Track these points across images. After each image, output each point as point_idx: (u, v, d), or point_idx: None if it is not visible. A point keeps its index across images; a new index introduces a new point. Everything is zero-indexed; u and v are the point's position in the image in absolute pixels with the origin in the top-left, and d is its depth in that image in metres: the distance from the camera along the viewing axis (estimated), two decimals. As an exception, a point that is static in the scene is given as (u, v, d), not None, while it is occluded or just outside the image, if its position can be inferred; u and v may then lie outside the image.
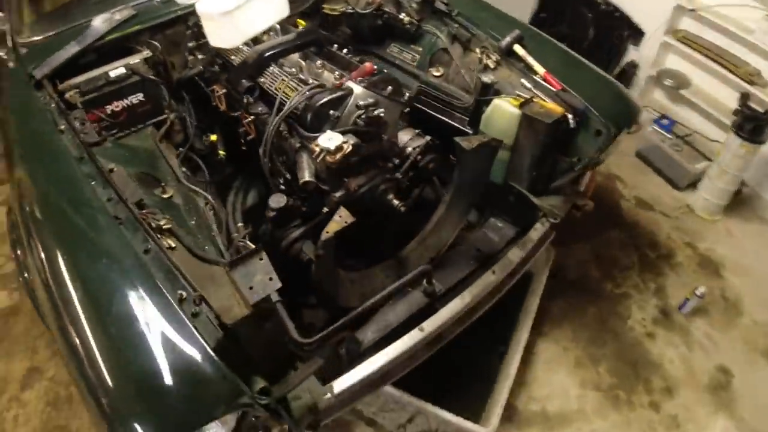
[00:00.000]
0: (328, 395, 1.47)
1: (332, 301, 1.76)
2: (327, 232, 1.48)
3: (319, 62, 1.90)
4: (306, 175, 1.57)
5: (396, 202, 1.72)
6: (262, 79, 1.83)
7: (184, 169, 1.92)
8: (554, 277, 2.42)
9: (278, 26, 2.06)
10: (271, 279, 1.33)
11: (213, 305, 1.31)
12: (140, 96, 1.95)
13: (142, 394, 1.18)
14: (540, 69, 1.94)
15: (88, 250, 1.38)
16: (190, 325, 1.25)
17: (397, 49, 2.34)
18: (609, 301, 2.52)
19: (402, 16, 2.23)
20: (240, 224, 1.78)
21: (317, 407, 1.44)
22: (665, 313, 2.50)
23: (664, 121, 3.31)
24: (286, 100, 1.66)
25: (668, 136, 3.27)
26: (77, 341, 1.23)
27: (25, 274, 1.57)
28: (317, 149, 1.53)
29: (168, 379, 1.19)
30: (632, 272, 2.65)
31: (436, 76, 2.22)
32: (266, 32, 2.04)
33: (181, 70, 2.14)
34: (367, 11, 2.25)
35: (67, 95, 1.80)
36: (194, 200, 1.79)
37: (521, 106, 1.84)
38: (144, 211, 1.49)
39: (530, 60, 1.98)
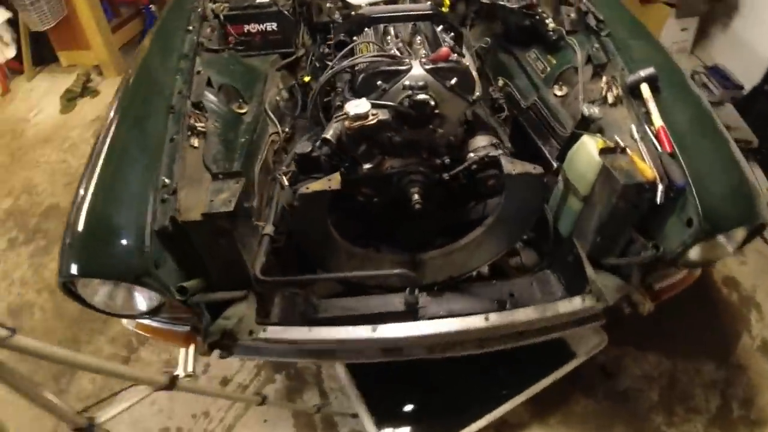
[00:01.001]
0: (252, 333, 1.50)
1: (320, 262, 1.74)
2: (306, 188, 1.46)
3: (419, 38, 1.81)
4: (327, 133, 1.55)
5: (416, 196, 1.59)
6: (356, 38, 1.84)
7: (278, 98, 2.08)
8: (604, 372, 1.96)
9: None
10: (230, 201, 1.38)
11: (181, 201, 1.42)
12: (274, 25, 2.14)
13: (89, 235, 1.37)
14: (657, 120, 1.53)
15: (134, 120, 1.62)
16: (151, 205, 1.39)
17: (535, 56, 2.07)
18: (648, 437, 1.95)
19: (548, 21, 1.96)
20: (291, 160, 1.86)
21: (234, 334, 1.48)
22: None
23: None
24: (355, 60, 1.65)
25: None
26: (83, 182, 1.48)
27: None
28: (342, 111, 1.50)
29: (110, 234, 1.36)
30: (698, 419, 1.98)
31: (556, 95, 1.92)
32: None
33: (317, 14, 2.27)
34: (516, 7, 2.03)
35: (215, 5, 2.09)
36: (265, 126, 1.93)
37: (603, 152, 1.48)
38: (195, 110, 1.68)
39: (651, 105, 1.56)
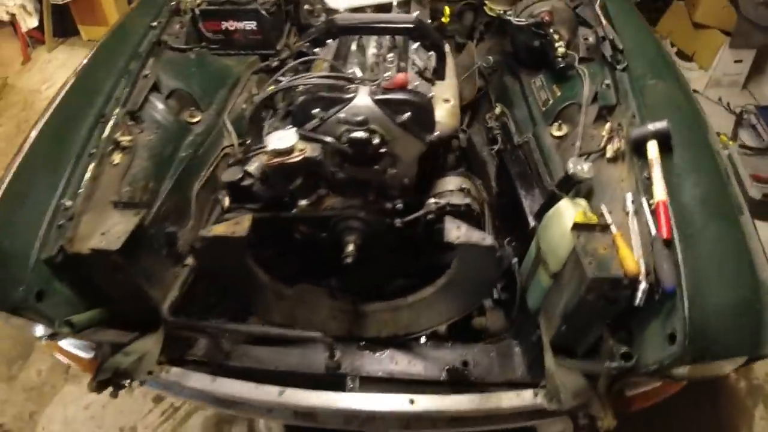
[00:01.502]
0: (151, 374, 1.35)
1: (244, 302, 1.54)
2: (208, 232, 1.25)
3: (391, 55, 1.52)
4: (250, 166, 1.32)
5: (350, 247, 1.34)
6: (318, 49, 1.57)
7: (245, 105, 1.87)
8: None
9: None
10: (119, 239, 1.20)
11: (79, 228, 1.26)
12: (253, 24, 1.91)
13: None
14: (660, 192, 1.17)
15: (57, 129, 1.46)
16: (44, 230, 1.24)
17: (540, 83, 1.73)
18: None
19: (558, 44, 1.61)
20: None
21: (129, 373, 1.35)
22: None
23: None
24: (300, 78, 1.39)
25: None
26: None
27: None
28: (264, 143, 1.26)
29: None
30: None
31: (553, 135, 1.58)
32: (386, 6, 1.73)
33: (308, 15, 2.02)
34: (524, 24, 1.69)
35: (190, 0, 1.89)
36: (219, 137, 1.72)
37: (577, 228, 1.16)
38: (128, 121, 1.50)
39: (655, 171, 1.20)
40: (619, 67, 1.50)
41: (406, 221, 1.45)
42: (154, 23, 1.77)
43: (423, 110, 1.28)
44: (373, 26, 1.52)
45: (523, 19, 1.70)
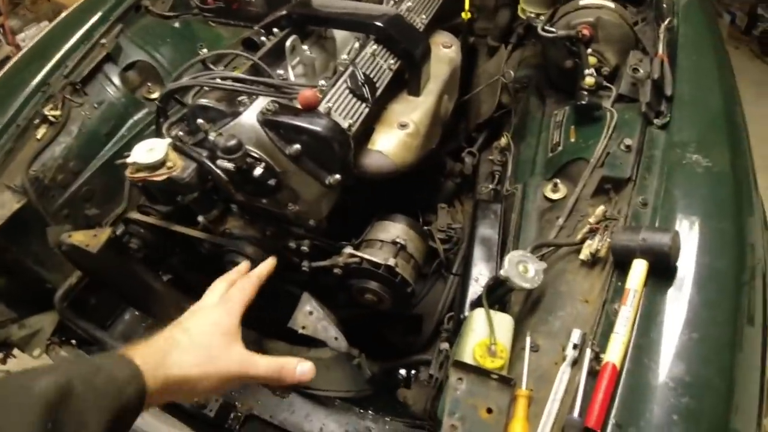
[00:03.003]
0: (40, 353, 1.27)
1: (142, 308, 1.36)
2: (68, 236, 1.08)
3: (344, 57, 1.14)
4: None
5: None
6: (264, 38, 1.24)
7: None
8: None
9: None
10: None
11: None
12: (260, -6, 1.64)
13: None
14: (616, 352, 0.72)
15: (2, 88, 1.36)
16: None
17: (561, 118, 1.24)
18: None
19: (588, 72, 1.11)
20: None
21: (16, 345, 1.28)
22: None
23: None
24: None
25: None
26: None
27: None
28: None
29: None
30: None
31: (545, 197, 1.12)
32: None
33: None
34: (554, 36, 1.20)
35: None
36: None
37: (459, 368, 0.76)
38: (66, 93, 1.35)
39: (624, 312, 0.75)
40: (656, 122, 0.99)
41: (314, 267, 1.14)
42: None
43: (320, 144, 0.92)
44: (338, 17, 1.17)
45: (554, 30, 1.21)
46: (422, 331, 1.31)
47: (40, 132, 1.30)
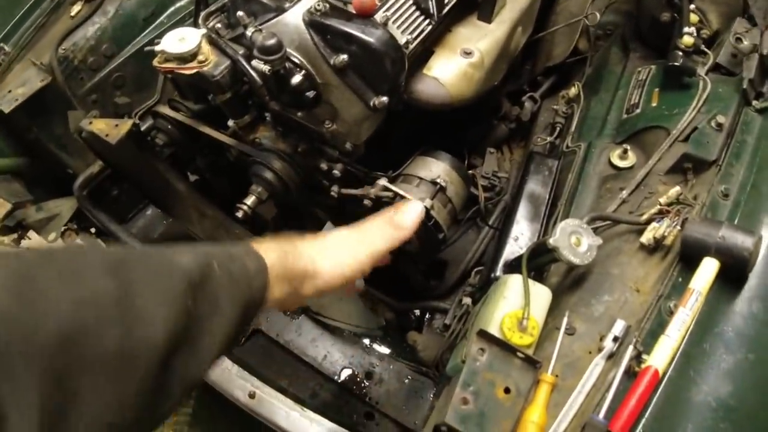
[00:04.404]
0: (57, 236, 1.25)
1: (165, 209, 1.32)
2: (89, 123, 1.03)
3: None
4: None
5: (251, 199, 1.00)
6: None
7: None
8: None
9: None
10: (16, 100, 1.07)
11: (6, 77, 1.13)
12: None
13: None
14: (661, 357, 0.63)
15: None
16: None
17: (645, 77, 1.07)
18: None
19: (688, 30, 0.93)
20: None
21: (32, 228, 1.20)
22: None
23: None
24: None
25: None
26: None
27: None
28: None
29: None
30: None
31: (611, 162, 0.99)
32: None
33: None
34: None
35: None
36: None
37: (483, 338, 0.69)
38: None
39: (681, 314, 0.65)
40: (755, 104, 0.83)
41: (344, 194, 1.06)
42: None
43: (371, 58, 0.80)
44: None
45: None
46: (444, 277, 1.25)
47: (75, 9, 1.20)
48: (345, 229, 0.68)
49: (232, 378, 1.07)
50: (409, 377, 1.17)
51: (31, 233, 1.17)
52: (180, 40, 0.87)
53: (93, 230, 1.23)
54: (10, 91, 1.08)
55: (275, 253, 0.57)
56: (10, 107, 1.04)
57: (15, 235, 1.18)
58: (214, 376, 1.06)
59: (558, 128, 1.23)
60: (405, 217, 0.70)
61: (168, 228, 1.45)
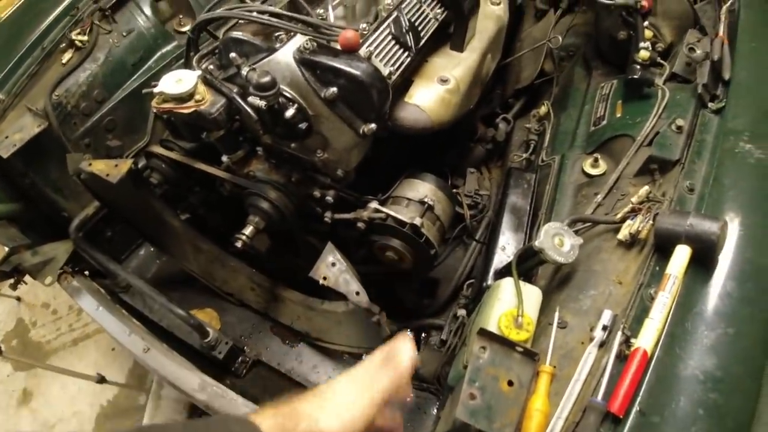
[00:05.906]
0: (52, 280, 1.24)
1: (159, 246, 1.35)
2: (89, 164, 1.05)
3: (388, 1, 1.06)
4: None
5: (248, 230, 1.04)
6: None
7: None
8: None
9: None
10: (14, 146, 1.09)
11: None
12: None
13: None
14: (648, 338, 0.69)
15: (31, 8, 1.31)
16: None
17: (608, 91, 1.17)
18: None
19: (643, 45, 1.03)
20: None
21: (28, 272, 1.24)
22: None
23: None
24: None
25: None
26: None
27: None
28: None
29: None
30: None
31: (584, 171, 1.06)
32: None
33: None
34: (613, 3, 1.11)
35: None
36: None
37: (484, 336, 0.73)
38: (95, 19, 1.29)
39: (661, 298, 0.71)
40: (711, 105, 0.92)
41: (337, 219, 1.11)
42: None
43: (358, 89, 0.87)
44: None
45: (615, -2, 1.12)
46: (437, 295, 1.29)
47: (66, 57, 1.26)
48: (344, 378, 0.63)
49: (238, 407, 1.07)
50: (411, 394, 1.19)
51: (28, 278, 1.18)
52: (177, 81, 0.93)
53: (87, 272, 1.24)
54: (7, 137, 1.11)
55: (272, 420, 0.55)
56: (9, 152, 1.07)
57: (12, 280, 1.19)
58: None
59: (532, 145, 1.32)
60: (400, 355, 0.65)
61: (161, 267, 1.47)
